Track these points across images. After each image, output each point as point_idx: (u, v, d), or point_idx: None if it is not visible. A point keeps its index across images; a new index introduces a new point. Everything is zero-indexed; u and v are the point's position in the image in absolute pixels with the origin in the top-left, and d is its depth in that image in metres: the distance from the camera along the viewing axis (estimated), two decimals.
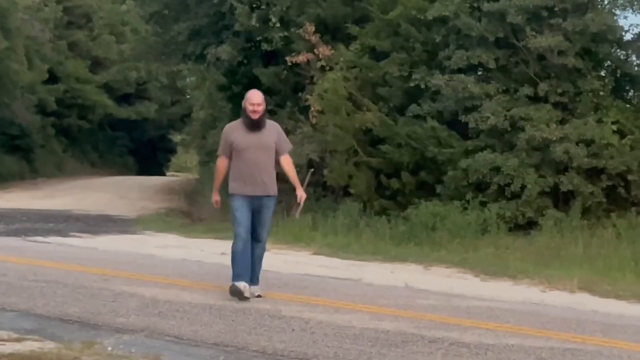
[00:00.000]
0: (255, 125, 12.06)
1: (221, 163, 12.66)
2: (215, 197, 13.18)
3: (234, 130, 12.34)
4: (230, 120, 32.33)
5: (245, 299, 12.07)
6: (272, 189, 12.27)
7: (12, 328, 10.67)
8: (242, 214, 12.31)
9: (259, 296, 12.45)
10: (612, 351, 10.31)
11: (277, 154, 12.45)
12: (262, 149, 12.09)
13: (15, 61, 46.40)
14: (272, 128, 12.42)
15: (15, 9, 46.27)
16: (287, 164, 12.57)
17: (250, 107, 12.05)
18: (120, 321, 11.04)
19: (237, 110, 30.42)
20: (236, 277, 12.15)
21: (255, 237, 12.36)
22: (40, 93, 52.66)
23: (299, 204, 12.85)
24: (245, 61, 28.58)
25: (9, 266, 15.74)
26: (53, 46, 54.65)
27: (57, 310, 11.71)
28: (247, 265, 12.31)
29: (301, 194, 12.66)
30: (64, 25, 56.94)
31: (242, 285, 12.07)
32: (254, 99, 12.12)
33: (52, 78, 53.90)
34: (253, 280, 12.36)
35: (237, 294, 12.11)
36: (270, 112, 27.16)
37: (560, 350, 10.29)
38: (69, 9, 57.55)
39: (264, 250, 12.71)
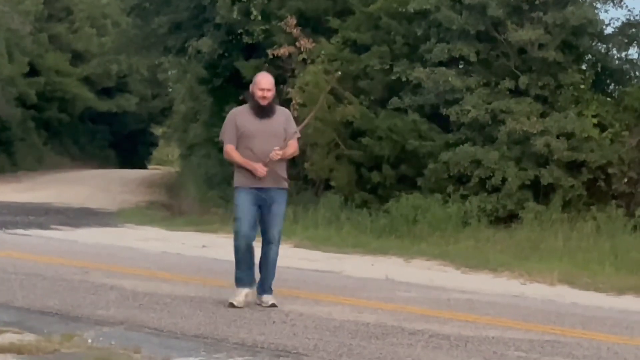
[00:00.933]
0: (264, 112, 11.05)
1: (231, 149, 11.27)
2: (258, 166, 11.05)
3: (240, 115, 11.25)
4: (212, 113, 32.58)
5: (239, 307, 11.08)
6: (283, 180, 11.16)
7: None
8: (245, 207, 11.12)
9: (273, 305, 11.18)
10: (591, 343, 10.34)
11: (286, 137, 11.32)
12: (272, 137, 10.98)
13: None
14: (282, 114, 11.42)
15: None
16: (290, 147, 11.29)
17: (259, 93, 11.05)
18: (100, 313, 11.03)
19: (219, 103, 30.51)
20: (237, 281, 11.28)
21: (266, 237, 11.21)
22: (21, 86, 52.47)
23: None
24: (226, 54, 28.54)
25: None
26: (33, 39, 54.44)
27: (37, 303, 11.69)
28: (250, 267, 11.30)
29: (276, 152, 11.02)
30: (44, 18, 56.77)
31: (242, 293, 11.17)
32: (263, 83, 11.11)
33: (33, 71, 53.76)
34: (265, 288, 11.21)
35: (232, 305, 11.06)
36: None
37: (540, 342, 10.32)
38: (49, 2, 57.35)
39: (277, 253, 11.29)
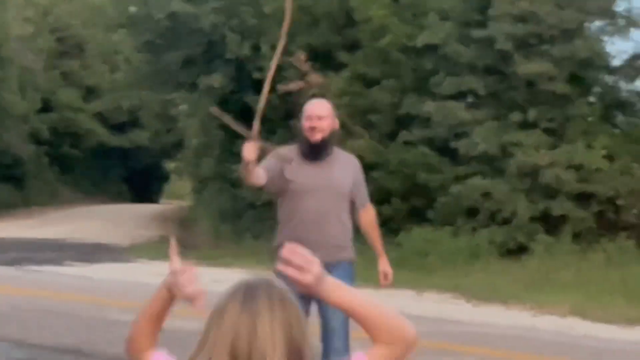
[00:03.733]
0: (315, 152, 7.19)
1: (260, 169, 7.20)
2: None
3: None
4: (223, 148, 32.56)
5: None
6: (346, 251, 7.39)
7: (7, 358, 10.65)
8: None
9: None
10: None
11: (355, 202, 7.57)
12: (330, 191, 7.16)
13: (9, 91, 46.38)
14: (347, 161, 7.49)
15: (7, 39, 46.29)
16: (369, 221, 7.83)
17: (307, 123, 7.18)
18: (114, 351, 11.01)
19: (230, 138, 30.45)
20: None
21: (326, 348, 6.99)
22: (34, 122, 52.58)
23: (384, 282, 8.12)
24: (236, 89, 28.62)
25: (2, 296, 15.70)
26: (46, 76, 54.66)
27: (51, 340, 11.69)
28: None
29: (386, 268, 8.09)
30: (57, 54, 56.93)
31: None
32: (314, 109, 7.29)
33: (46, 107, 53.84)
34: None
35: None
36: (263, 139, 27.18)
37: None
38: (61, 39, 57.54)
39: None
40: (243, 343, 2.76)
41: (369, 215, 7.77)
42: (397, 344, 3.00)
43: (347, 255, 7.43)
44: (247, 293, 2.85)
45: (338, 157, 7.31)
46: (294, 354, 2.75)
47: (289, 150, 7.37)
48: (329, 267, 6.15)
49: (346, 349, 6.90)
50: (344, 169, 7.29)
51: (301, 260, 2.94)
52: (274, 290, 2.85)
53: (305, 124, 7.18)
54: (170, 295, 3.31)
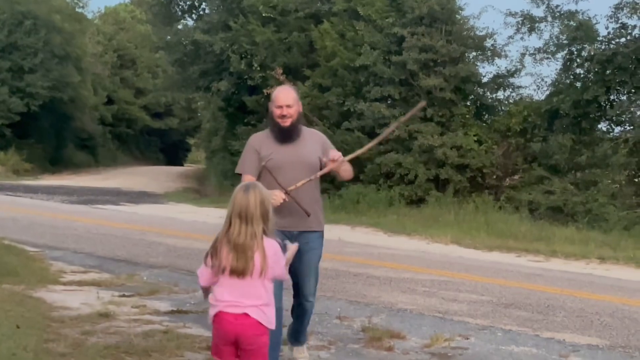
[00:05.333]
0: (286, 135, 5.79)
1: (246, 180, 5.40)
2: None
3: (261, 141, 5.89)
4: (226, 130, 32.48)
5: None
6: (318, 221, 5.94)
7: (81, 264, 10.65)
8: None
9: None
10: (471, 282, 10.42)
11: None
12: (301, 167, 5.75)
13: (85, 90, 46.18)
14: (314, 138, 6.01)
15: (85, 55, 46.03)
16: (346, 172, 5.97)
17: (277, 111, 5.75)
18: (152, 261, 11.02)
19: (231, 123, 30.41)
20: None
21: (298, 290, 5.91)
22: (101, 111, 52.59)
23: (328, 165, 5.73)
24: (236, 92, 28.52)
25: (78, 224, 15.65)
26: (110, 80, 54.44)
27: (110, 253, 11.67)
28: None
29: (335, 154, 5.73)
30: (117, 66, 56.59)
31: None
32: (281, 98, 5.76)
33: (109, 101, 53.87)
34: (298, 338, 6.12)
35: None
36: (251, 126, 27.30)
37: (438, 281, 10.38)
38: (121, 56, 57.21)
39: (311, 309, 5.98)
40: (243, 208, 4.01)
41: (347, 169, 5.90)
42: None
43: (317, 225, 5.83)
44: (245, 187, 4.10)
45: (305, 135, 5.83)
46: (264, 214, 4.04)
47: (263, 134, 5.86)
48: (304, 234, 5.57)
49: (315, 292, 5.88)
50: (312, 145, 5.80)
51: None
52: (257, 186, 4.13)
53: (276, 111, 5.66)
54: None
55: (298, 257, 5.02)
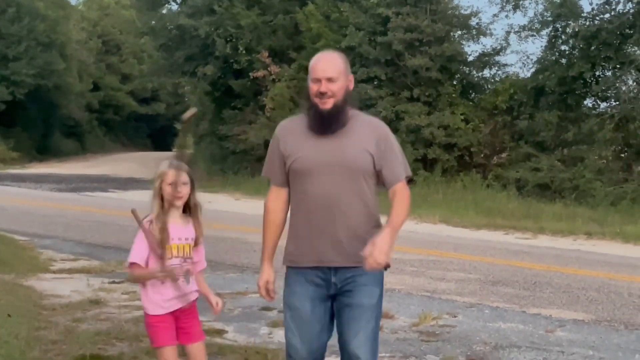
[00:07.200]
0: (324, 123, 3.61)
1: (271, 200, 3.76)
2: (264, 277, 3.71)
3: (289, 130, 3.73)
4: (213, 115, 32.43)
5: None
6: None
7: (71, 252, 10.68)
8: (300, 309, 3.64)
9: None
10: (459, 261, 10.51)
11: (383, 180, 3.75)
12: (340, 172, 3.58)
13: (70, 77, 46.00)
14: (367, 128, 3.74)
15: (70, 42, 45.84)
16: (401, 201, 3.75)
17: (315, 87, 3.62)
18: None
19: (218, 107, 30.35)
20: None
21: (346, 354, 3.55)
22: (88, 98, 52.51)
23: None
24: (222, 76, 28.46)
25: (67, 212, 15.66)
26: (96, 66, 54.26)
27: (99, 240, 11.70)
28: None
29: (382, 244, 3.38)
30: (103, 52, 56.39)
31: None
32: (319, 69, 3.65)
33: (95, 87, 53.74)
34: None
35: None
36: (238, 110, 27.33)
37: (427, 261, 10.47)
38: (106, 42, 56.99)
39: None
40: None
41: (398, 194, 3.77)
42: None
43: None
44: (173, 163, 3.92)
45: (355, 124, 3.70)
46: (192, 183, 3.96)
47: (295, 121, 3.77)
48: (346, 271, 3.56)
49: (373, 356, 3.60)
50: (362, 138, 3.65)
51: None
52: (181, 164, 3.95)
53: (313, 87, 3.63)
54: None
55: (344, 300, 3.61)
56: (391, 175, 3.74)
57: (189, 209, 4.01)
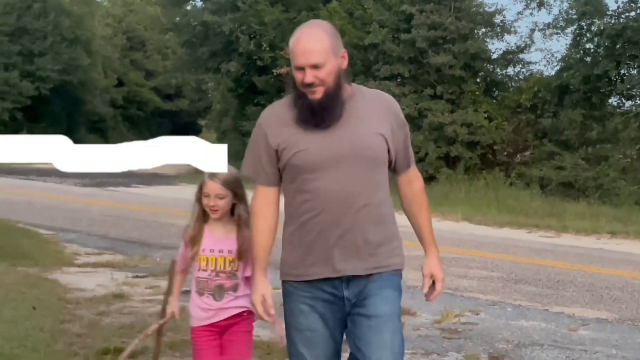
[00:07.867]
0: (319, 116, 2.90)
1: (259, 203, 3.12)
2: (260, 291, 3.06)
3: (281, 123, 3.01)
4: (236, 111, 32.49)
5: None
6: (387, 254, 3.16)
7: (95, 246, 10.76)
8: (314, 331, 3.00)
9: None
10: (481, 259, 10.48)
11: (394, 169, 3.16)
12: (356, 164, 2.92)
13: (95, 72, 46.34)
14: (376, 105, 3.08)
15: (94, 38, 46.17)
16: (414, 193, 3.32)
17: (299, 76, 2.91)
18: (164, 242, 11.10)
19: (241, 104, 30.45)
20: None
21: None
22: (112, 93, 52.79)
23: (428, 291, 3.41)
24: (246, 72, 28.57)
25: (91, 206, 15.76)
26: (120, 62, 54.55)
27: (123, 235, 11.77)
28: None
29: (435, 270, 3.56)
30: (127, 48, 56.71)
31: None
32: (305, 54, 2.89)
33: (120, 83, 54.06)
34: None
35: None
36: (262, 106, 27.31)
37: (448, 258, 10.43)
38: (130, 38, 57.31)
39: None
40: None
41: (413, 185, 3.32)
42: None
43: (391, 259, 3.24)
44: (211, 174, 3.60)
45: (361, 103, 3.06)
46: None
47: (279, 107, 3.13)
48: (361, 280, 3.02)
49: None
50: (372, 120, 3.03)
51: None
52: (217, 175, 3.60)
53: (297, 76, 2.96)
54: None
55: (361, 313, 3.05)
56: (403, 159, 3.18)
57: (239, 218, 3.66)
